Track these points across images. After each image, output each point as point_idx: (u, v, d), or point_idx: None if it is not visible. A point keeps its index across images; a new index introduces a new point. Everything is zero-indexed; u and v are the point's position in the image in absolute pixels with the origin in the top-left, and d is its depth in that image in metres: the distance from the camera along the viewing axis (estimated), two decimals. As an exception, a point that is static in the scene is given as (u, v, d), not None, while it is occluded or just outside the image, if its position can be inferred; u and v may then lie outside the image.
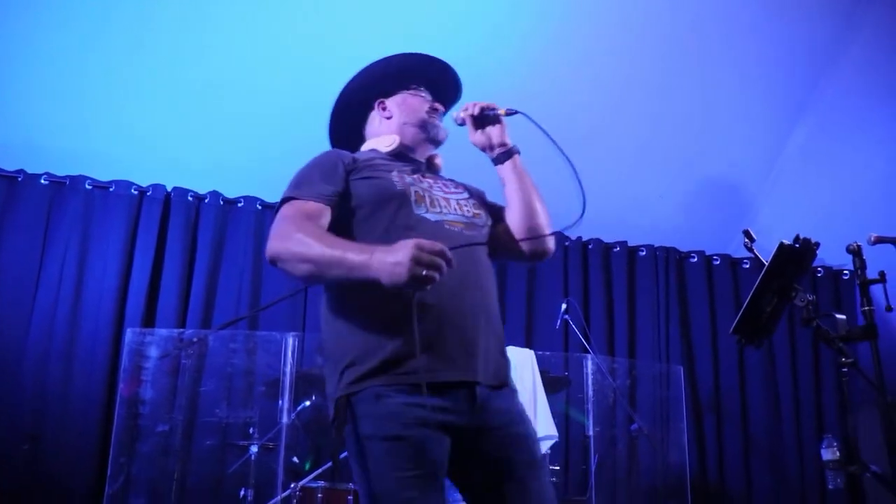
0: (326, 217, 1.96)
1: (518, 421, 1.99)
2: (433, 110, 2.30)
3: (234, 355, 4.64)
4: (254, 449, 3.97)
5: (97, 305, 4.89)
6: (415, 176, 2.12)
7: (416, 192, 2.04)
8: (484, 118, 2.24)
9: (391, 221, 1.98)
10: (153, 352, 4.43)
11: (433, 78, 2.36)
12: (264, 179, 5.36)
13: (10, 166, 5.04)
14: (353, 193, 2.02)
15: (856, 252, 2.26)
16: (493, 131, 2.25)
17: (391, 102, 2.31)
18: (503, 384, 2.00)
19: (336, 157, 2.10)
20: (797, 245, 2.28)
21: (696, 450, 5.51)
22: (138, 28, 4.71)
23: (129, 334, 4.48)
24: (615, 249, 6.05)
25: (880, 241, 3.15)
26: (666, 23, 5.04)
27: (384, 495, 1.77)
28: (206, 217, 5.30)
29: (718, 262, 6.20)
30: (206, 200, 5.35)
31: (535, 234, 2.21)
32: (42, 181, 5.07)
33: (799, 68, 5.38)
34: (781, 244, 2.27)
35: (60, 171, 5.12)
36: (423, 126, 2.26)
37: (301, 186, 2.00)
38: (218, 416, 4.46)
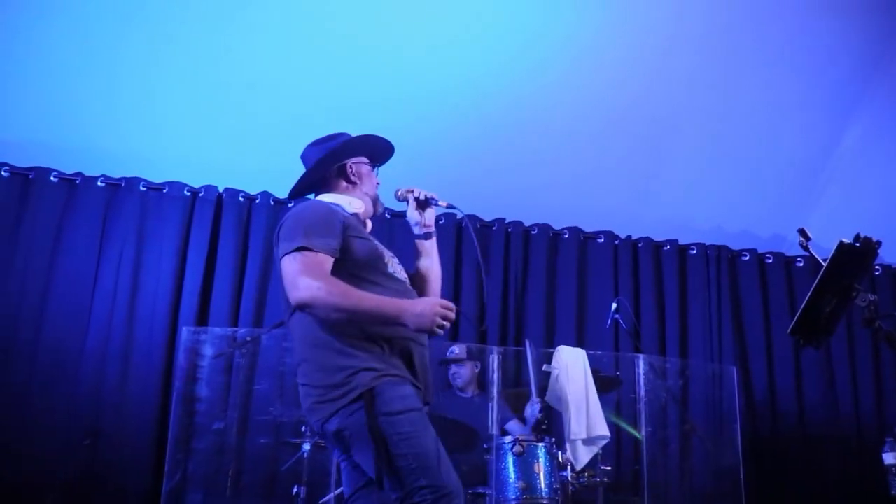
0: (330, 266, 2.38)
1: None
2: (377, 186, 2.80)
3: (287, 354, 4.68)
4: (306, 447, 4.00)
5: (152, 305, 5.00)
6: (372, 237, 2.61)
7: (386, 255, 2.55)
8: (426, 202, 2.74)
9: (376, 277, 2.47)
10: (208, 350, 4.50)
11: (380, 151, 2.82)
12: (315, 180, 5.43)
13: (69, 169, 5.16)
14: (349, 248, 2.45)
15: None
16: (428, 213, 2.76)
17: (356, 170, 2.72)
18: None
19: (334, 213, 2.51)
20: (857, 244, 2.23)
21: (751, 452, 5.42)
22: (193, 33, 4.80)
23: (185, 333, 4.55)
24: (665, 248, 5.99)
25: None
26: (723, 19, 4.99)
27: (428, 451, 2.24)
28: (258, 217, 5.37)
29: (772, 261, 6.10)
30: (258, 201, 5.42)
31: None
32: (99, 183, 5.19)
33: (853, 65, 5.29)
34: (841, 243, 2.22)
35: (116, 174, 5.24)
36: (376, 202, 2.76)
37: (312, 238, 2.38)
38: (272, 414, 4.51)
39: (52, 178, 5.11)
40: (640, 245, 5.95)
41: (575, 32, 5.01)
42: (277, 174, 5.34)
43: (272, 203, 5.44)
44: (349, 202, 2.64)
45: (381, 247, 2.55)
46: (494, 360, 4.15)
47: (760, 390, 5.68)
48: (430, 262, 2.76)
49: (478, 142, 5.29)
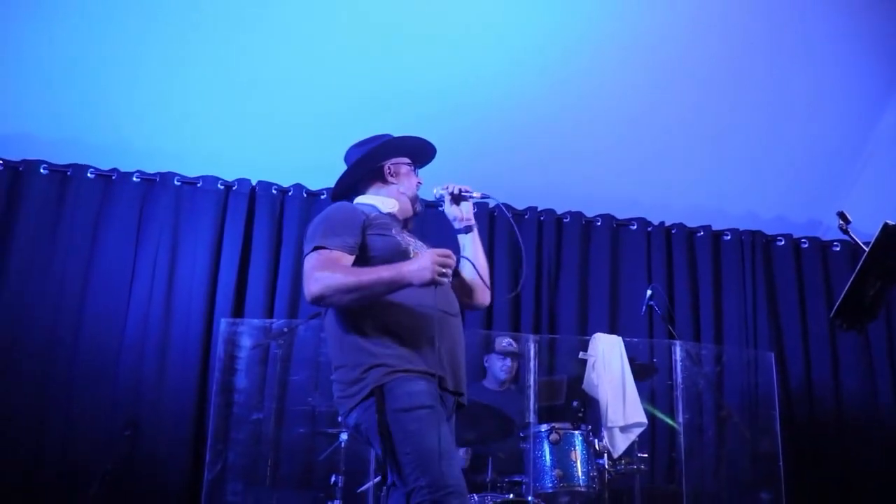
0: (348, 262, 2.46)
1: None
2: (418, 185, 2.85)
3: (323, 344, 4.72)
4: (343, 436, 4.04)
5: (188, 297, 5.06)
6: (406, 234, 2.67)
7: (413, 250, 2.57)
8: (460, 197, 2.80)
9: None
10: (245, 341, 4.55)
11: (421, 152, 2.90)
12: (346, 172, 5.46)
13: (105, 165, 5.23)
14: (369, 246, 2.53)
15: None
16: (465, 207, 2.82)
17: (394, 170, 2.80)
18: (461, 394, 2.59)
19: (354, 212, 2.60)
20: (902, 226, 2.20)
21: (789, 438, 5.37)
22: (224, 29, 4.84)
23: (223, 324, 4.60)
24: (699, 234, 5.94)
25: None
26: (760, 3, 4.94)
27: (430, 449, 2.27)
28: (291, 209, 5.41)
29: (807, 246, 6.02)
30: (290, 193, 5.46)
31: (480, 292, 2.85)
32: (134, 179, 5.26)
33: (888, 48, 5.20)
34: (886, 224, 2.19)
35: (151, 169, 5.30)
36: (415, 201, 2.82)
37: (329, 237, 2.48)
38: (309, 404, 4.56)
39: (88, 175, 5.19)
40: (673, 231, 5.90)
41: (601, 22, 4.98)
42: (310, 167, 5.42)
43: (305, 195, 5.47)
44: (382, 202, 2.73)
45: (407, 243, 2.59)
46: (531, 349, 4.15)
47: (796, 376, 5.63)
48: (475, 254, 2.80)
49: (509, 134, 5.28)
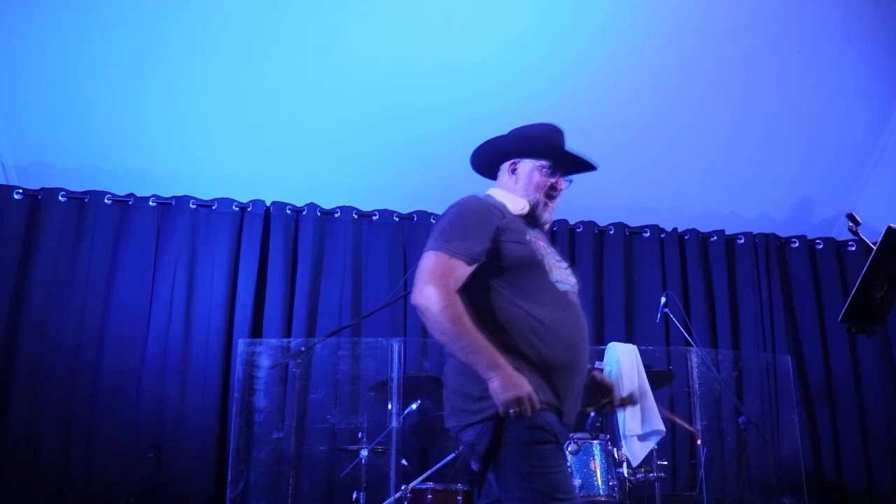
0: (466, 274, 2.28)
1: None
2: (553, 189, 2.59)
3: (341, 362, 4.78)
4: (363, 453, 4.06)
5: (207, 319, 5.12)
6: (539, 243, 2.45)
7: (548, 262, 2.40)
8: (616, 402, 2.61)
9: (534, 285, 2.35)
10: (264, 361, 4.60)
11: (572, 164, 2.63)
12: (359, 189, 5.52)
13: (121, 191, 5.31)
14: (504, 253, 2.35)
15: (971, 233, 2.19)
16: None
17: (521, 168, 2.59)
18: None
19: (488, 213, 2.40)
20: (907, 229, 2.21)
21: (810, 442, 5.35)
22: (234, 50, 4.91)
23: (241, 345, 4.65)
24: (712, 239, 5.93)
25: None
26: (767, 3, 4.95)
27: (555, 489, 2.15)
28: (305, 228, 5.46)
29: (822, 247, 6.00)
30: (304, 213, 5.51)
31: None
32: (150, 203, 5.33)
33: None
34: (889, 228, 2.20)
35: (166, 193, 5.37)
36: (536, 206, 2.56)
37: (453, 241, 2.30)
38: (329, 421, 4.60)
39: (106, 201, 5.27)
40: (686, 237, 5.90)
41: (610, 31, 5.01)
42: (323, 186, 5.49)
43: (319, 214, 5.53)
44: (513, 201, 2.54)
45: (543, 252, 2.43)
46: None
47: (816, 379, 5.60)
48: None
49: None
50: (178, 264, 5.21)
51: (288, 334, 5.12)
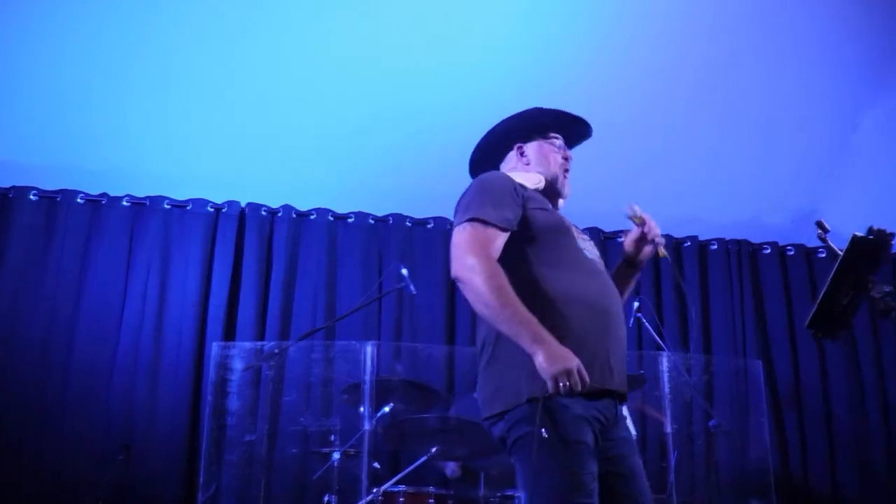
0: (503, 241, 2.24)
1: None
2: (565, 160, 2.59)
3: (314, 365, 4.76)
4: (336, 456, 4.05)
5: (179, 321, 5.09)
6: (560, 213, 2.42)
7: (575, 231, 2.38)
8: (646, 240, 2.52)
9: (563, 251, 2.32)
10: (237, 364, 4.58)
11: (565, 121, 2.64)
12: (335, 191, 5.51)
13: (94, 190, 5.27)
14: (532, 221, 2.30)
15: (932, 241, 2.23)
16: (647, 251, 2.55)
17: (529, 150, 2.59)
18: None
19: (511, 182, 2.36)
20: (871, 236, 2.24)
21: (779, 446, 5.41)
22: (207, 48, 4.87)
23: (215, 348, 4.64)
24: (686, 244, 5.99)
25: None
26: (733, 9, 4.99)
27: (575, 490, 2.04)
28: (280, 230, 5.45)
29: (793, 253, 6.08)
30: (280, 214, 5.50)
31: None
32: (124, 203, 5.30)
33: (869, 52, 5.26)
34: (854, 236, 2.23)
35: (140, 193, 5.34)
36: (555, 182, 2.55)
37: (489, 208, 2.25)
38: (301, 424, 4.58)
39: (78, 200, 5.23)
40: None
41: (586, 41, 5.03)
42: (298, 188, 5.47)
43: (294, 216, 5.52)
44: (528, 178, 2.50)
45: (568, 222, 2.41)
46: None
47: (785, 384, 5.66)
48: (624, 288, 2.58)
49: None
50: (152, 265, 5.18)
51: (261, 336, 5.10)
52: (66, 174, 5.24)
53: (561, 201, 2.59)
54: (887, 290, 2.24)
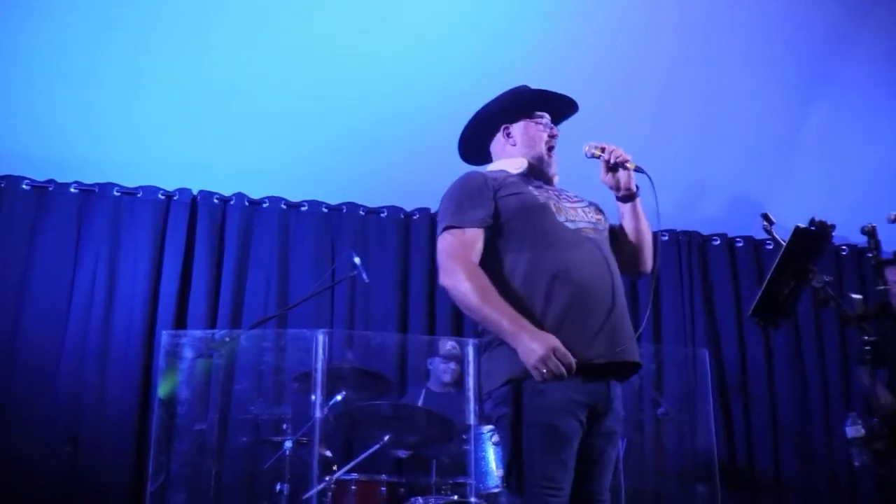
0: (482, 240, 2.30)
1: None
2: (551, 138, 2.59)
3: (266, 353, 4.74)
4: (288, 444, 4.04)
5: (129, 309, 5.02)
6: (546, 190, 2.44)
7: (554, 203, 2.38)
8: (615, 167, 2.51)
9: (538, 230, 2.32)
10: (187, 353, 4.53)
11: (550, 98, 2.65)
12: (288, 179, 5.47)
13: (41, 176, 5.16)
14: (502, 209, 2.34)
15: (870, 233, 2.28)
16: (622, 176, 2.52)
17: (515, 130, 2.60)
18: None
19: (482, 179, 2.40)
20: (813, 228, 2.31)
21: (724, 432, 5.53)
22: (157, 33, 4.80)
23: (165, 336, 4.58)
24: (636, 235, 6.05)
25: (901, 219, 3.18)
26: (678, 6, 5.05)
27: (549, 475, 2.12)
28: (232, 218, 5.40)
29: (742, 245, 6.20)
30: (232, 202, 5.45)
31: (641, 262, 2.63)
32: (72, 190, 5.20)
33: (817, 47, 5.36)
34: (797, 227, 2.30)
35: (89, 180, 5.24)
36: (540, 161, 2.55)
37: (460, 213, 2.32)
38: (252, 413, 4.56)
39: (23, 186, 5.11)
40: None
41: (543, 24, 5.05)
42: (252, 175, 5.42)
43: (246, 204, 5.47)
44: (511, 164, 2.53)
45: (548, 196, 2.41)
46: (471, 352, 4.21)
47: (732, 372, 5.79)
48: (635, 224, 2.57)
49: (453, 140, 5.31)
50: (101, 253, 5.10)
51: (213, 325, 5.06)
52: (11, 160, 5.11)
53: (556, 177, 2.60)
54: (827, 279, 2.31)
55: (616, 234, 2.57)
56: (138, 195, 5.28)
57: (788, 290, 2.35)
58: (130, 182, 5.29)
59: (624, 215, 2.57)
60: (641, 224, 2.58)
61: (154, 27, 4.78)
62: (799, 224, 2.31)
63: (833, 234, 2.38)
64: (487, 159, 2.67)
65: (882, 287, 2.24)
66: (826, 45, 5.32)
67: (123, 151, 5.21)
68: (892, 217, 3.22)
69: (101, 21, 4.71)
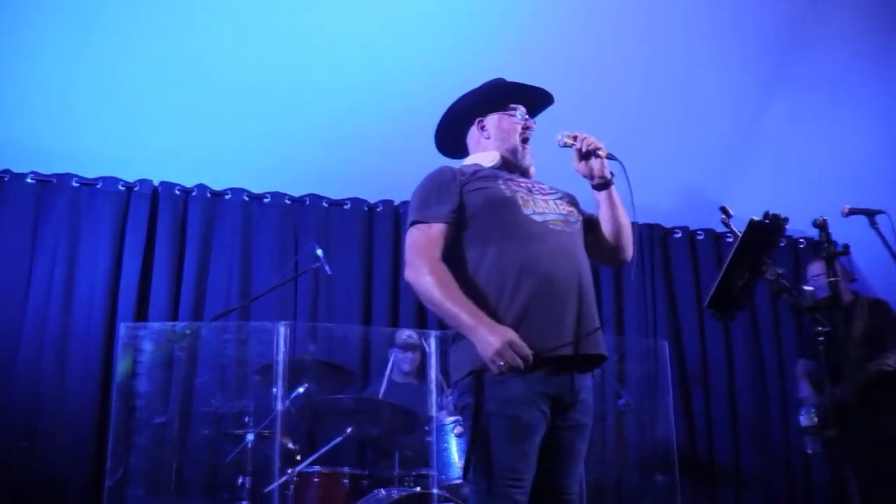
0: (448, 235, 2.33)
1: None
2: (525, 130, 2.60)
3: (227, 346, 4.71)
4: (249, 437, 4.02)
5: (89, 301, 4.95)
6: (517, 182, 2.45)
7: (521, 196, 2.39)
8: (587, 155, 2.50)
9: (504, 223, 2.33)
10: (147, 345, 4.49)
11: (525, 91, 2.65)
12: (250, 170, 5.43)
13: (-4, 166, 5.08)
14: (468, 204, 2.36)
15: (821, 226, 2.34)
16: (595, 164, 2.52)
17: (489, 122, 2.61)
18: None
19: (451, 174, 2.42)
20: (767, 221, 2.34)
21: (684, 423, 5.60)
22: (118, 23, 4.73)
23: (123, 329, 4.53)
24: (599, 228, 6.09)
25: (853, 212, 3.26)
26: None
27: (508, 468, 2.13)
28: (194, 210, 5.36)
29: (702, 237, 6.28)
30: (194, 194, 5.40)
31: (620, 250, 2.66)
32: (28, 180, 5.12)
33: (777, 39, 5.42)
34: (751, 220, 2.33)
35: (47, 170, 5.16)
36: (514, 153, 2.57)
37: (425, 208, 2.35)
38: (213, 405, 4.52)
39: (-23, 177, 5.02)
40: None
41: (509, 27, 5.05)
42: (213, 166, 5.36)
43: (208, 195, 5.42)
44: (484, 157, 2.56)
45: (515, 189, 2.41)
46: (433, 344, 4.22)
47: (693, 363, 5.87)
48: (611, 212, 2.58)
49: (420, 134, 5.30)
50: (59, 245, 5.02)
51: (175, 318, 5.02)
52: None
53: (532, 169, 2.61)
54: (780, 271, 2.35)
55: (594, 224, 2.59)
56: (98, 186, 5.21)
57: (743, 282, 2.38)
58: (89, 173, 5.22)
59: (600, 204, 2.58)
60: (618, 212, 2.59)
61: (115, 16, 4.70)
62: (753, 217, 2.35)
63: (786, 226, 2.42)
64: (465, 152, 2.68)
65: (833, 279, 2.29)
66: (782, 45, 5.40)
67: (82, 141, 5.12)
68: (846, 210, 3.30)
69: (60, 10, 4.63)
